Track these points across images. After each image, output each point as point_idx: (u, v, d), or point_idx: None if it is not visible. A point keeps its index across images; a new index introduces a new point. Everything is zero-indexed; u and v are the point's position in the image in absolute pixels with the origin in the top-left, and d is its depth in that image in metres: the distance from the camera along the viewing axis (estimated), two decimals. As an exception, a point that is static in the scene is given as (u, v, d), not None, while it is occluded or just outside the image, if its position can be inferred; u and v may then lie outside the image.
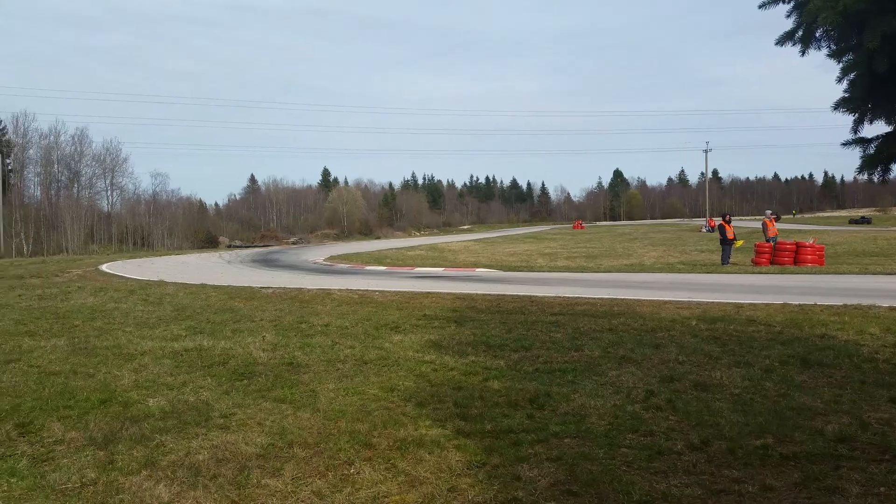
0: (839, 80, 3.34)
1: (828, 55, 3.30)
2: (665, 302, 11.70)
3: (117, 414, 5.64)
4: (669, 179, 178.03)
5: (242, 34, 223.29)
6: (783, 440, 4.66)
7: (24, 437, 5.12)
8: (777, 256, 20.67)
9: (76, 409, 5.78)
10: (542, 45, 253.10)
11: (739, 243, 22.18)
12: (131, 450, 4.75)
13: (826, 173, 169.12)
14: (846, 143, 3.51)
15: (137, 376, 7.01)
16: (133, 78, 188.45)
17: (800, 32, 3.32)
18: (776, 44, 3.37)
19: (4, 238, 58.99)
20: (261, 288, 16.45)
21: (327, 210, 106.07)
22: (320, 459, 4.50)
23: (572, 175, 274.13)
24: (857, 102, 3.26)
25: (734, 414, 5.27)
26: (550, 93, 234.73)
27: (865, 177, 3.67)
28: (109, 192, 75.25)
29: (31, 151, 69.61)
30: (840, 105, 3.35)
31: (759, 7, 3.44)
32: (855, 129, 3.46)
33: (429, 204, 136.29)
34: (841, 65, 3.27)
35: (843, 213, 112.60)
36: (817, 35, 3.27)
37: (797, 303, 11.06)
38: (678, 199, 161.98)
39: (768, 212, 23.66)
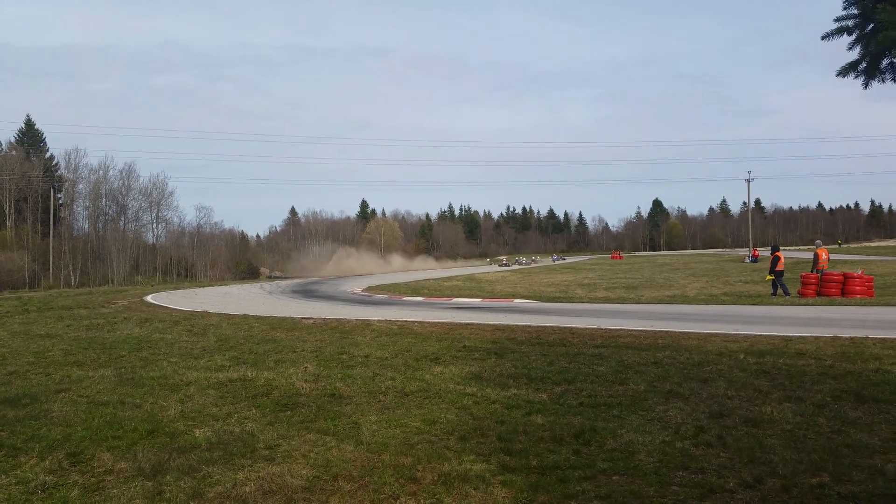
0: None
1: None
2: (711, 334, 11.47)
3: (164, 444, 5.70)
4: (710, 209, 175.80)
5: (301, 73, 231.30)
6: (840, 479, 4.50)
7: (75, 466, 5.21)
8: (823, 288, 20.21)
9: (124, 440, 5.86)
10: (592, 77, 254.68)
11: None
12: (179, 481, 4.79)
13: (873, 202, 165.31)
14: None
15: (183, 407, 7.10)
16: (196, 115, 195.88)
17: (864, 64, 3.28)
18: (837, 75, 3.33)
19: (53, 269, 60.75)
20: (301, 318, 16.61)
21: (365, 241, 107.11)
22: (365, 493, 4.48)
23: (610, 205, 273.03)
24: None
25: (787, 451, 5.11)
26: (596, 122, 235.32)
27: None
28: (155, 225, 77.25)
29: (80, 186, 72.07)
30: None
31: (823, 38, 3.40)
32: None
33: (465, 234, 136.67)
34: None
35: (893, 242, 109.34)
36: (882, 67, 3.22)
37: (848, 336, 10.74)
38: (720, 228, 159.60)
39: (818, 242, 23.16)
